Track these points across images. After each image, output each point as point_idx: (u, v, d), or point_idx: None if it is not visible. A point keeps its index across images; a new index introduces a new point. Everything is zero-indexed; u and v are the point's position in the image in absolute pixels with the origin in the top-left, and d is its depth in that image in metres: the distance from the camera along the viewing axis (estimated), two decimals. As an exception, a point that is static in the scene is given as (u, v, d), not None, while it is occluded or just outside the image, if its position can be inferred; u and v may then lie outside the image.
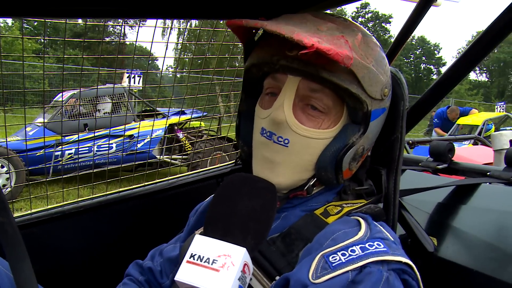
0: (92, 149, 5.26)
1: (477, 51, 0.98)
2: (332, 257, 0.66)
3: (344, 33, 0.74)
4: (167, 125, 5.58)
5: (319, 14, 0.79)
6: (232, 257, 0.58)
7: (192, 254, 0.59)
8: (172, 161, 5.44)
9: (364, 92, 0.75)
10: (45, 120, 5.06)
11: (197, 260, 0.58)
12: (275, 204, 0.67)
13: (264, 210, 0.66)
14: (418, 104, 1.13)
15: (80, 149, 5.09)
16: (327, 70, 0.72)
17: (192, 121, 5.81)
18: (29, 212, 1.23)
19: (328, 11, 1.11)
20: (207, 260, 0.58)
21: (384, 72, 0.80)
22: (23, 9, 0.86)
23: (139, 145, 5.58)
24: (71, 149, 5.31)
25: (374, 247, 0.67)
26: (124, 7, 0.99)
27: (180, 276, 0.57)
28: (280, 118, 0.75)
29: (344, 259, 0.65)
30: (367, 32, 0.82)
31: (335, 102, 0.77)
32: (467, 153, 3.90)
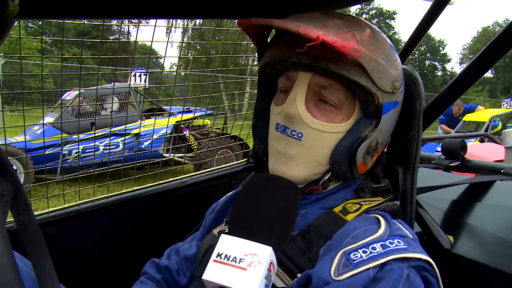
0: (100, 147, 5.28)
1: (493, 51, 0.97)
2: (353, 255, 0.67)
3: (351, 28, 0.75)
4: (177, 122, 5.58)
5: (327, 13, 0.81)
6: (258, 256, 0.58)
7: (219, 253, 0.59)
8: (179, 159, 5.44)
9: (374, 85, 0.76)
10: (53, 120, 5.09)
11: (224, 259, 0.58)
12: (298, 203, 0.68)
13: (287, 209, 0.67)
14: (434, 103, 1.13)
15: (87, 148, 5.12)
16: (337, 64, 0.73)
17: (199, 119, 5.82)
18: (46, 211, 1.25)
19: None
20: (234, 259, 0.58)
21: (395, 66, 0.80)
22: (38, 11, 0.87)
23: (145, 144, 5.60)
24: (78, 148, 5.34)
25: (394, 244, 0.67)
26: (133, 7, 1.00)
27: (208, 275, 0.58)
28: (292, 112, 0.77)
29: (365, 256, 0.66)
30: (376, 28, 0.82)
31: (347, 96, 0.78)
32: (477, 150, 3.88)
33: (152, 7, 1.03)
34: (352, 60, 0.71)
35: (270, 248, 0.60)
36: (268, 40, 0.89)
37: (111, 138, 5.41)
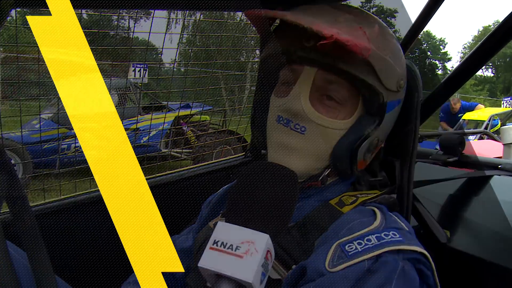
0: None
1: (489, 47, 0.97)
2: (348, 246, 0.66)
3: (362, 24, 0.75)
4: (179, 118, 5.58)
5: (336, 5, 0.79)
6: (255, 244, 0.57)
7: (215, 240, 0.58)
8: (177, 154, 5.44)
9: (381, 84, 0.75)
10: (52, 115, 5.08)
11: (220, 246, 0.57)
12: (297, 192, 0.67)
13: (286, 198, 0.65)
14: (431, 98, 1.13)
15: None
16: (344, 61, 0.72)
17: (197, 115, 5.81)
18: (42, 202, 1.25)
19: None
20: (230, 247, 0.57)
21: (401, 64, 0.80)
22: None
23: (144, 139, 5.59)
24: (78, 142, 5.33)
25: (389, 236, 0.67)
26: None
27: (204, 262, 0.57)
28: (296, 108, 0.76)
29: (360, 248, 0.66)
30: (383, 23, 0.82)
31: (351, 93, 0.78)
32: (475, 147, 3.87)
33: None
34: (361, 58, 0.70)
35: (267, 235, 0.59)
36: (271, 28, 0.88)
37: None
